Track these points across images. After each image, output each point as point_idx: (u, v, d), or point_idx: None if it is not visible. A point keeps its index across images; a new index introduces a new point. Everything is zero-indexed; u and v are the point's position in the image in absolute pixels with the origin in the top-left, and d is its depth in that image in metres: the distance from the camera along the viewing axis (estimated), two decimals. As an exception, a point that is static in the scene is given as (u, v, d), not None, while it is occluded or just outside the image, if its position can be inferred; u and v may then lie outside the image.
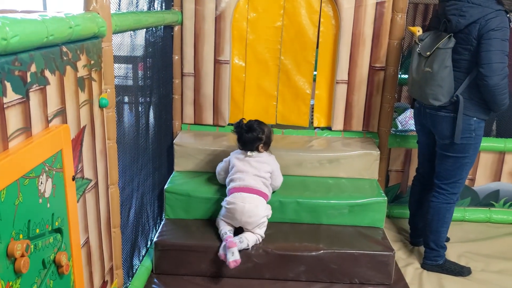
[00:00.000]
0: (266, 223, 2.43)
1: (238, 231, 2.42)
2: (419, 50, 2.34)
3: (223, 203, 2.44)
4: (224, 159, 2.62)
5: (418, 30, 2.41)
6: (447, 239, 2.77)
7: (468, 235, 3.00)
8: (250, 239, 2.34)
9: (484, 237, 2.99)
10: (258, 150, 2.51)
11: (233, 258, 2.21)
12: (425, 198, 2.63)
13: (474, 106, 2.28)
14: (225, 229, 2.38)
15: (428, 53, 2.26)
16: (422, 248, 2.71)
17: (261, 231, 2.40)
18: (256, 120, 2.57)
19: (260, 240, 2.39)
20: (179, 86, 2.93)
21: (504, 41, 2.12)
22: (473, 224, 3.16)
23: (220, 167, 2.62)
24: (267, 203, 2.48)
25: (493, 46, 2.11)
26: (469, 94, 2.26)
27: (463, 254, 2.76)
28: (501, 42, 2.11)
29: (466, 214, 3.18)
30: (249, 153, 2.50)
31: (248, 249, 2.34)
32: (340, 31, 2.82)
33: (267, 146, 2.55)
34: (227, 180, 2.51)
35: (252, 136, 2.49)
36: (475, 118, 2.30)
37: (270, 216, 2.47)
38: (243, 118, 2.59)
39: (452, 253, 2.74)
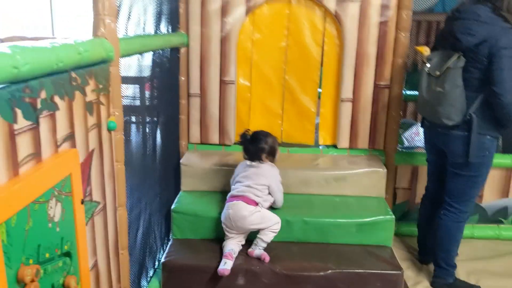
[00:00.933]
0: (264, 217, 2.43)
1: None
2: (428, 70, 2.34)
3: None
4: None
5: (425, 50, 2.42)
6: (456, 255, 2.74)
7: (477, 253, 2.97)
8: (264, 239, 2.40)
9: (493, 254, 2.96)
10: (261, 160, 2.53)
11: (224, 267, 2.29)
12: (434, 216, 2.62)
13: (487, 124, 2.27)
14: (229, 247, 2.40)
15: (438, 72, 2.26)
16: (431, 266, 2.68)
17: (263, 224, 2.40)
18: (261, 131, 2.61)
19: (274, 229, 2.42)
20: (186, 107, 2.96)
21: None
22: (482, 241, 3.13)
23: (232, 177, 2.65)
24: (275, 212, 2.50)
25: (504, 64, 2.12)
26: (482, 113, 2.25)
27: (473, 271, 2.73)
28: (511, 59, 2.12)
29: (475, 231, 3.15)
30: (248, 162, 2.54)
31: (265, 246, 2.41)
32: (344, 50, 2.84)
33: (271, 156, 2.56)
34: (231, 182, 2.59)
35: (255, 146, 2.52)
36: (488, 136, 2.29)
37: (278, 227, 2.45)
38: (248, 129, 2.62)
39: (462, 270, 2.71)
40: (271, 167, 2.57)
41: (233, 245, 2.41)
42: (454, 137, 2.34)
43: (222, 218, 2.45)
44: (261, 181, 2.48)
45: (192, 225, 2.60)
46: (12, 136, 1.07)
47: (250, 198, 2.43)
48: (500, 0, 2.16)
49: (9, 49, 1.06)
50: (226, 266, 2.30)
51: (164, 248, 2.70)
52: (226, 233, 2.45)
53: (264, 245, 2.42)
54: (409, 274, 2.71)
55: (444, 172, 2.51)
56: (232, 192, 2.50)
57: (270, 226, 2.42)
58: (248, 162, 2.55)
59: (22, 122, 1.11)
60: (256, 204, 2.44)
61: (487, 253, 2.97)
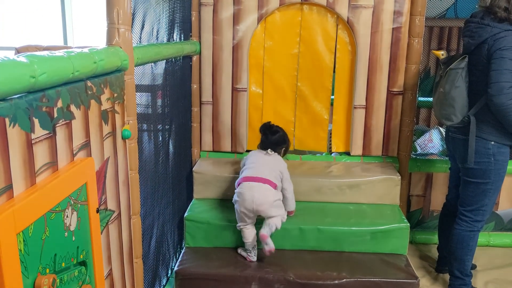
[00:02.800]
0: (281, 204, 2.47)
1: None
2: (441, 73, 2.34)
3: (234, 197, 2.47)
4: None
5: (442, 54, 2.42)
6: (474, 267, 2.70)
7: (494, 261, 2.92)
8: (275, 222, 2.39)
9: (510, 262, 2.91)
10: (278, 152, 2.60)
11: (268, 247, 2.34)
12: (449, 225, 2.58)
13: (490, 129, 2.23)
14: (250, 240, 2.44)
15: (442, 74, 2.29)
16: (447, 276, 2.64)
17: (280, 211, 2.43)
18: (280, 127, 2.66)
19: (285, 218, 2.45)
20: (198, 114, 2.97)
21: None
22: (498, 249, 3.08)
23: (242, 165, 2.63)
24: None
25: (501, 65, 2.08)
26: (483, 116, 2.22)
27: (490, 281, 2.68)
28: (509, 61, 2.08)
29: (491, 239, 3.10)
30: (264, 152, 2.57)
31: (277, 229, 2.40)
32: (357, 57, 2.83)
33: (285, 153, 2.67)
34: (240, 172, 2.56)
35: (276, 137, 2.59)
36: (492, 142, 2.24)
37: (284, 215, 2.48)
38: (270, 121, 2.68)
39: (479, 280, 2.66)
40: (284, 160, 2.62)
41: (253, 234, 2.44)
42: (459, 141, 2.33)
43: (241, 202, 2.39)
44: (277, 167, 2.51)
45: (205, 233, 2.59)
46: (29, 145, 1.07)
47: (272, 181, 2.43)
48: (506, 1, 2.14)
49: (26, 59, 1.06)
50: (269, 246, 2.33)
51: (177, 256, 2.69)
52: (240, 218, 2.43)
53: (275, 228, 2.39)
54: (425, 283, 2.67)
55: (460, 180, 2.48)
56: (247, 173, 2.46)
57: (283, 214, 2.46)
58: (264, 152, 2.57)
59: (39, 131, 1.11)
60: (275, 189, 2.46)
61: (504, 261, 2.92)
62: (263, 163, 2.50)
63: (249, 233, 2.44)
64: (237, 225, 2.47)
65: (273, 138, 2.59)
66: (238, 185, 2.46)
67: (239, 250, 2.52)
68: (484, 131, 2.24)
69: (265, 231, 2.35)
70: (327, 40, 2.88)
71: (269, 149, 2.56)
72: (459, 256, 2.45)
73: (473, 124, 2.23)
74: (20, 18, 5.95)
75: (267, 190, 2.39)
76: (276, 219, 2.39)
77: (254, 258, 2.45)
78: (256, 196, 2.35)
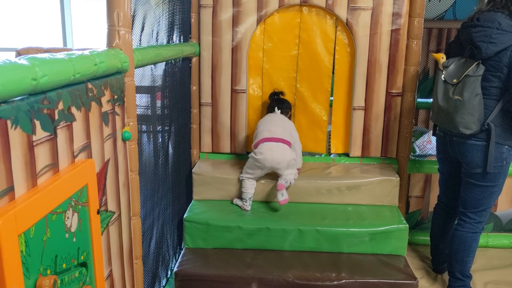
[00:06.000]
0: (295, 163, 2.68)
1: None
2: (444, 78, 2.30)
3: (251, 155, 2.65)
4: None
5: (442, 57, 2.38)
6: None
7: (493, 262, 2.93)
8: (290, 178, 2.63)
9: (509, 263, 2.92)
10: (285, 114, 2.81)
11: (283, 198, 2.58)
12: (449, 227, 2.59)
13: (505, 134, 2.23)
14: (250, 192, 2.70)
15: (455, 80, 2.23)
16: (445, 276, 2.65)
17: (294, 169, 2.67)
18: None
19: (297, 176, 2.70)
20: (197, 116, 2.97)
21: None
22: (496, 250, 3.09)
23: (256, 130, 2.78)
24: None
25: None
26: (500, 122, 2.22)
27: (489, 282, 2.69)
28: None
29: (489, 240, 3.11)
30: (275, 113, 2.76)
31: (291, 184, 2.66)
32: (356, 58, 2.84)
33: (289, 119, 2.88)
34: (254, 135, 2.74)
35: (285, 101, 2.85)
36: (506, 146, 2.24)
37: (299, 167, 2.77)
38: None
39: (478, 281, 2.67)
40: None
41: (253, 187, 2.71)
42: (471, 146, 2.29)
43: (261, 160, 2.59)
44: (287, 127, 2.73)
45: (204, 234, 2.59)
46: (30, 147, 1.08)
47: (288, 140, 2.64)
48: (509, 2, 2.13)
49: (28, 62, 1.07)
50: (284, 196, 2.58)
51: (177, 257, 2.70)
52: (253, 172, 2.67)
53: (289, 183, 2.63)
54: (424, 283, 2.67)
55: (457, 182, 2.48)
56: (264, 134, 2.64)
57: (296, 172, 2.70)
58: (275, 113, 2.76)
59: (40, 133, 1.12)
60: (290, 147, 2.67)
61: (502, 263, 2.92)
62: (276, 124, 2.69)
63: (251, 185, 2.70)
64: (241, 175, 2.71)
65: (280, 99, 2.84)
66: (256, 146, 2.63)
67: (235, 201, 2.74)
68: (500, 136, 2.23)
69: (283, 181, 2.59)
70: (326, 42, 2.89)
71: (275, 107, 2.76)
72: (461, 257, 2.45)
73: (493, 132, 2.21)
74: (20, 19, 5.96)
75: (285, 149, 2.62)
76: (291, 176, 2.64)
77: (249, 208, 2.68)
78: (276, 155, 2.59)
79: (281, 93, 2.90)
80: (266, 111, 2.88)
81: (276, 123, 2.70)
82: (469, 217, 2.41)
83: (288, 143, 2.64)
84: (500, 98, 2.19)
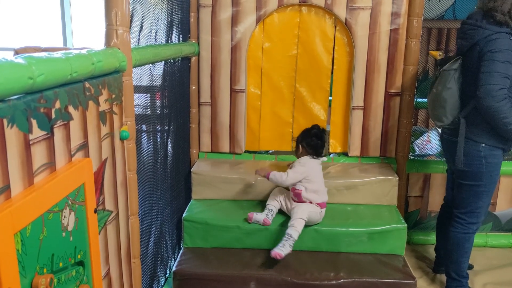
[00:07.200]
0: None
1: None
2: (437, 74, 2.35)
3: (317, 213, 2.51)
4: (299, 170, 2.52)
5: (439, 54, 2.43)
6: (471, 267, 2.71)
7: (492, 262, 2.93)
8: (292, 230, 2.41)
9: (508, 263, 2.92)
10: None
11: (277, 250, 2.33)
12: (445, 227, 2.59)
13: (481, 131, 2.22)
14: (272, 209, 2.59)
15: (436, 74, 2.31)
16: (444, 276, 2.65)
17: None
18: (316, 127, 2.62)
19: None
20: (196, 115, 2.98)
21: (503, 63, 2.05)
22: (495, 250, 3.09)
23: (294, 178, 2.51)
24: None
25: (491, 67, 2.06)
26: (474, 119, 2.21)
27: (488, 282, 2.68)
28: (500, 64, 2.05)
29: (488, 240, 3.11)
30: (320, 159, 2.61)
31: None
32: (355, 58, 2.84)
33: None
34: (309, 186, 2.51)
35: (323, 141, 2.59)
36: (483, 144, 2.22)
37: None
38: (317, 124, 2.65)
39: (477, 281, 2.67)
40: None
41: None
42: (452, 142, 2.33)
43: (311, 217, 2.49)
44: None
45: (203, 233, 2.60)
46: (27, 146, 1.08)
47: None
48: (504, 4, 2.12)
49: (24, 60, 1.07)
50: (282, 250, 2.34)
51: (175, 256, 2.70)
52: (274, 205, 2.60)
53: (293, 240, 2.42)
54: (422, 283, 2.68)
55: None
56: (323, 198, 2.56)
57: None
58: (319, 161, 2.60)
59: (36, 132, 1.12)
60: None
61: (502, 262, 2.93)
62: (322, 177, 2.59)
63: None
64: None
65: (323, 144, 2.58)
66: (321, 205, 2.54)
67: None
68: (475, 134, 2.23)
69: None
70: (325, 42, 2.89)
71: (320, 158, 2.60)
72: (455, 258, 2.45)
73: (463, 126, 2.21)
74: (19, 18, 5.96)
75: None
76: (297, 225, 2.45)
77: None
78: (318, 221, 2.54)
79: (319, 132, 2.59)
80: (306, 147, 2.57)
81: (322, 176, 2.60)
82: (459, 217, 2.41)
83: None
84: (475, 94, 2.15)
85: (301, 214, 2.43)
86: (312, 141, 2.55)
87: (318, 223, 2.56)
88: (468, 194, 2.34)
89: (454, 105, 2.22)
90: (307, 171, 2.51)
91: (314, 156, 2.57)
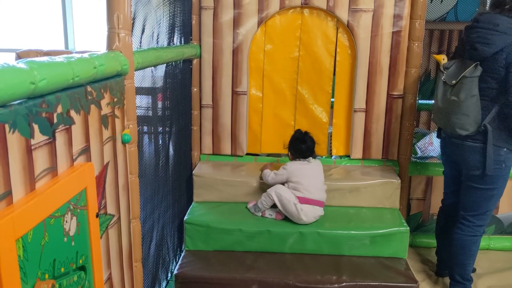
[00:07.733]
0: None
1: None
2: (444, 79, 2.30)
3: (292, 203, 2.53)
4: (280, 172, 2.65)
5: (443, 58, 2.38)
6: (473, 270, 2.70)
7: (495, 265, 2.91)
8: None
9: (511, 266, 2.91)
10: (313, 157, 2.71)
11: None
12: (449, 230, 2.57)
13: (503, 136, 2.21)
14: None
15: (454, 81, 2.23)
16: (447, 279, 2.63)
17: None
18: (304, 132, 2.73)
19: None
20: (198, 117, 2.97)
21: None
22: (498, 252, 3.07)
23: (274, 179, 2.66)
24: None
25: None
26: (498, 124, 2.20)
27: (492, 285, 2.67)
28: None
29: (491, 243, 3.10)
30: (307, 160, 2.65)
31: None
32: (357, 60, 2.83)
33: None
34: (291, 184, 2.60)
35: (313, 143, 2.68)
36: (505, 149, 2.22)
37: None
38: (300, 129, 2.77)
39: (481, 284, 2.65)
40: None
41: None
42: (469, 148, 2.28)
43: (295, 217, 2.54)
44: (322, 175, 2.68)
45: (205, 236, 2.59)
46: (29, 151, 1.08)
47: (324, 202, 2.63)
48: None
49: (26, 65, 1.06)
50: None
51: (177, 259, 2.69)
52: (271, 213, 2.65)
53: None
54: (425, 286, 2.66)
55: (459, 185, 2.46)
56: (308, 194, 2.55)
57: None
58: (306, 162, 2.65)
59: (38, 137, 1.12)
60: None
61: (505, 265, 2.91)
62: (315, 177, 2.63)
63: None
64: (260, 210, 2.66)
65: (312, 145, 2.67)
66: (302, 201, 2.55)
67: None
68: (498, 139, 2.21)
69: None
70: (327, 44, 2.88)
71: (310, 157, 2.65)
72: (460, 261, 2.44)
73: (490, 133, 2.19)
74: (22, 20, 5.96)
75: (321, 212, 2.61)
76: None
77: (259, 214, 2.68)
78: (312, 219, 2.57)
79: (307, 133, 2.72)
80: (294, 152, 2.69)
81: (314, 176, 2.64)
82: (469, 220, 2.39)
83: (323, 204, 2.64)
84: (497, 100, 2.17)
85: (269, 190, 2.60)
86: (297, 146, 2.67)
87: (307, 224, 2.56)
88: (481, 197, 2.33)
89: (478, 113, 2.19)
90: (288, 174, 2.62)
91: (301, 159, 2.66)
